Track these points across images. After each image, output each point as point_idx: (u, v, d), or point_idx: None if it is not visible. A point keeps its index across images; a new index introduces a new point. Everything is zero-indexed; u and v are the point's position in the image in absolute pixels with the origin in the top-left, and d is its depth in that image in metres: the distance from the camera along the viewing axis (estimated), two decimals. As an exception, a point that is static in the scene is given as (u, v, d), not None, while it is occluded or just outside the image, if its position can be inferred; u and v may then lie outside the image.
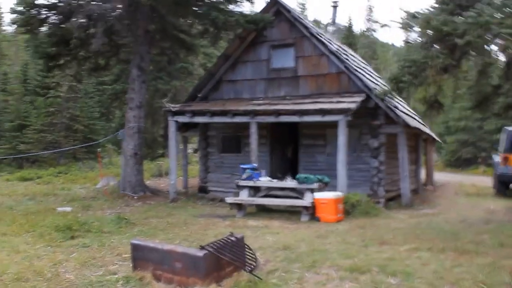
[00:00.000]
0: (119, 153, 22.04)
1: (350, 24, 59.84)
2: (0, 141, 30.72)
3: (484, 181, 22.96)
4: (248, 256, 6.58)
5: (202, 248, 6.12)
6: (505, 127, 17.59)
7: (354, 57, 18.77)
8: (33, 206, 13.82)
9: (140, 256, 6.53)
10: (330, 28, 19.99)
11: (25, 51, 49.81)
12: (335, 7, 20.14)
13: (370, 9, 66.55)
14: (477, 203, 15.08)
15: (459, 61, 9.46)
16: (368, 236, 9.44)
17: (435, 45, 9.16)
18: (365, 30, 65.92)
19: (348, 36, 46.29)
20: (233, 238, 6.63)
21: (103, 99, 35.58)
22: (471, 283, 6.14)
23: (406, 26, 9.66)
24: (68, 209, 13.14)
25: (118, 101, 32.22)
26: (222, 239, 6.57)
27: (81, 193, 17.72)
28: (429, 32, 9.12)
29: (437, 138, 23.05)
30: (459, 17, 7.89)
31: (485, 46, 8.13)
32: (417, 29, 9.84)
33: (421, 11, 9.61)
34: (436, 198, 16.66)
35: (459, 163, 33.65)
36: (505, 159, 16.08)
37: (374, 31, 64.49)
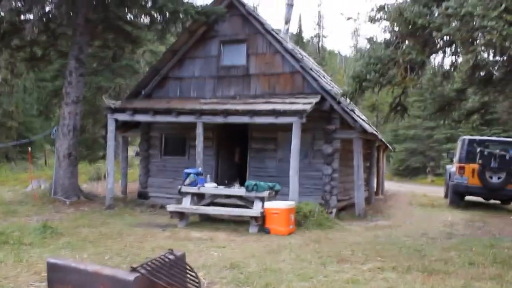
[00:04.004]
0: (56, 153, 20.37)
1: (300, 29, 59.49)
2: None
3: (434, 191, 22.68)
4: (189, 279, 5.44)
5: (133, 270, 4.95)
6: (461, 137, 17.16)
7: (307, 58, 17.91)
8: None
9: (59, 278, 5.26)
10: (284, 28, 19.11)
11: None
12: (290, 5, 19.14)
13: (320, 16, 65.74)
14: (432, 214, 14.44)
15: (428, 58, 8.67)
16: (325, 252, 8.46)
17: (406, 40, 8.28)
18: (313, 36, 65.82)
19: (297, 42, 45.75)
20: (171, 257, 5.48)
21: (42, 95, 33.54)
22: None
23: (373, 19, 8.76)
24: (-13, 215, 11.57)
25: (58, 98, 30.26)
26: (159, 257, 5.41)
27: (7, 197, 16.07)
28: (396, 25, 8.27)
29: (389, 146, 22.47)
30: (438, 7, 7.00)
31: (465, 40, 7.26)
32: (385, 22, 8.99)
33: (389, 4, 8.78)
34: (390, 208, 15.95)
35: (407, 172, 33.55)
36: (461, 169, 15.54)
37: (325, 37, 64.51)
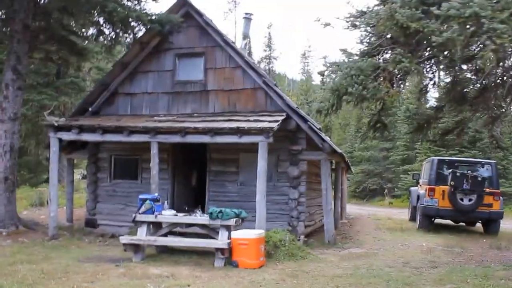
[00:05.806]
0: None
1: (249, 51, 59.17)
2: None
3: (395, 213, 22.15)
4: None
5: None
6: (430, 157, 16.54)
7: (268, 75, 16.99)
8: None
9: None
10: (242, 43, 18.31)
11: None
12: (248, 19, 18.28)
13: (270, 38, 65.89)
14: (405, 240, 13.55)
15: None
16: (306, 290, 7.33)
17: (394, 47, 7.36)
18: (263, 57, 65.82)
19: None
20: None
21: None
22: None
23: (354, 25, 7.84)
24: None
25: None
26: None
27: None
28: (386, 30, 7.35)
29: (351, 168, 21.72)
30: (438, 9, 6.09)
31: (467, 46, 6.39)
32: (365, 28, 8.09)
33: (374, 9, 7.89)
34: (358, 233, 14.98)
35: (364, 194, 33.03)
36: (431, 191, 14.80)
37: (276, 59, 64.55)
